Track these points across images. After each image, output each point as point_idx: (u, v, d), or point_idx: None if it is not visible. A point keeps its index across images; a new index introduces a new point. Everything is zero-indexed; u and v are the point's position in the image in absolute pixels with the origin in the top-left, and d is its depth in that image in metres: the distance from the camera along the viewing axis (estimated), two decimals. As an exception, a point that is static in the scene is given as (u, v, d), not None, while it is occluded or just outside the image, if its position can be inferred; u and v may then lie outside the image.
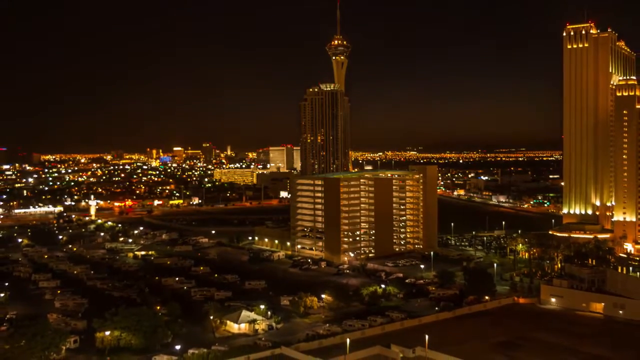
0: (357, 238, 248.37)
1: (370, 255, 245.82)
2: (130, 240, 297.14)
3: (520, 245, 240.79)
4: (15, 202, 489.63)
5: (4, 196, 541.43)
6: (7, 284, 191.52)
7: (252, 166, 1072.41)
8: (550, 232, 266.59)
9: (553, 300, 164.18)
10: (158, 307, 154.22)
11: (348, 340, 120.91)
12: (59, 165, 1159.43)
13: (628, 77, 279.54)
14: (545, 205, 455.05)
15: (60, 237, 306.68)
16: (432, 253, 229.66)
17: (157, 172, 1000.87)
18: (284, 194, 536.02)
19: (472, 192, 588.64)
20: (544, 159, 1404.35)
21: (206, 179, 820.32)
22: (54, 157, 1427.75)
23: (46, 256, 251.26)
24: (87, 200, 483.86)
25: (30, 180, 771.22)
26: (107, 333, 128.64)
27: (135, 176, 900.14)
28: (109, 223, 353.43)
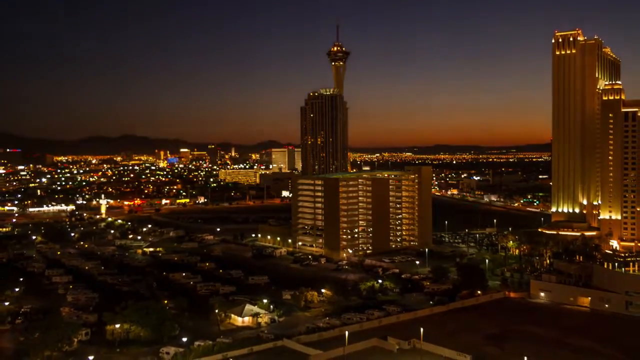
0: (356, 235, 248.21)
1: (368, 251, 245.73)
2: (139, 238, 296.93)
3: (511, 242, 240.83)
4: (29, 201, 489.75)
5: (19, 195, 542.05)
6: (21, 279, 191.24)
7: (255, 167, 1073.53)
8: (539, 230, 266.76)
9: (542, 294, 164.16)
10: (165, 301, 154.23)
11: (347, 333, 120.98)
12: (71, 166, 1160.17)
13: (614, 82, 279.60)
14: (535, 204, 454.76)
15: (73, 234, 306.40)
16: (426, 250, 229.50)
17: (165, 173, 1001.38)
18: (285, 194, 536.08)
19: (465, 191, 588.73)
20: (534, 159, 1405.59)
21: (211, 179, 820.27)
22: (66, 158, 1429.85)
23: (59, 252, 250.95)
24: (97, 200, 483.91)
25: (44, 180, 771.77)
26: (117, 326, 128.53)
27: (143, 176, 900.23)
28: (119, 221, 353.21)
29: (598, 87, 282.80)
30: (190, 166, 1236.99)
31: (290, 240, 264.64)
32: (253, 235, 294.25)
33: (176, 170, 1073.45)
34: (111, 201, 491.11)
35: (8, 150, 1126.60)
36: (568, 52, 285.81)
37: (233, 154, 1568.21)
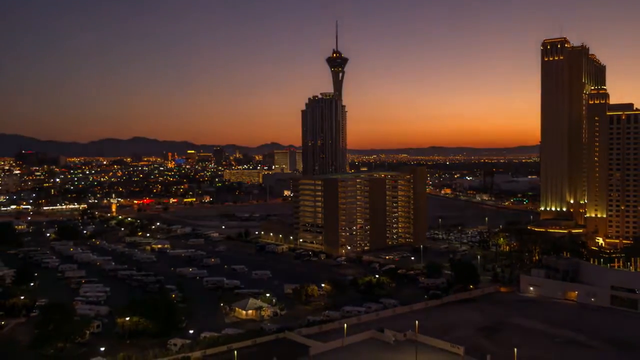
0: (354, 233, 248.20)
1: (366, 248, 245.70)
2: (148, 235, 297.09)
3: (502, 239, 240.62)
4: (43, 200, 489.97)
5: (34, 195, 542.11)
6: (36, 274, 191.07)
7: (258, 167, 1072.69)
8: (528, 227, 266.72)
9: (531, 289, 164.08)
10: (173, 295, 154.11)
11: (345, 325, 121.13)
12: (83, 167, 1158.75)
13: (599, 87, 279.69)
14: (524, 202, 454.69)
15: (85, 231, 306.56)
16: (421, 246, 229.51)
17: (173, 173, 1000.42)
18: (287, 193, 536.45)
19: (458, 191, 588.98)
20: (523, 161, 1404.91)
21: (217, 179, 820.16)
22: (78, 159, 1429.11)
23: (72, 249, 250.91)
24: (108, 199, 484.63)
25: (57, 180, 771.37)
26: (127, 319, 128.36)
27: (152, 177, 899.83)
28: (129, 219, 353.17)
29: (584, 91, 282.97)
30: (196, 167, 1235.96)
31: (291, 237, 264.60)
32: (256, 232, 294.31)
33: (183, 171, 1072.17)
34: (121, 200, 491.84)
35: (23, 151, 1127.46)
36: (556, 58, 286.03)
37: (237, 155, 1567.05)
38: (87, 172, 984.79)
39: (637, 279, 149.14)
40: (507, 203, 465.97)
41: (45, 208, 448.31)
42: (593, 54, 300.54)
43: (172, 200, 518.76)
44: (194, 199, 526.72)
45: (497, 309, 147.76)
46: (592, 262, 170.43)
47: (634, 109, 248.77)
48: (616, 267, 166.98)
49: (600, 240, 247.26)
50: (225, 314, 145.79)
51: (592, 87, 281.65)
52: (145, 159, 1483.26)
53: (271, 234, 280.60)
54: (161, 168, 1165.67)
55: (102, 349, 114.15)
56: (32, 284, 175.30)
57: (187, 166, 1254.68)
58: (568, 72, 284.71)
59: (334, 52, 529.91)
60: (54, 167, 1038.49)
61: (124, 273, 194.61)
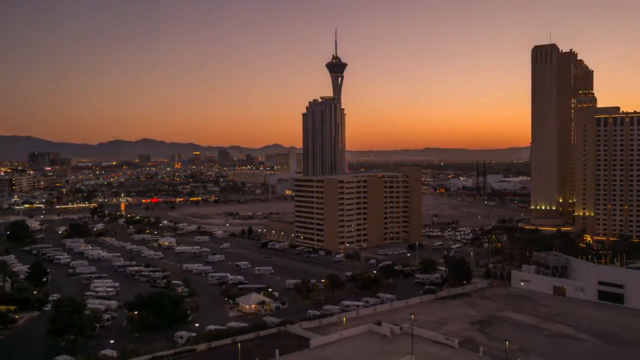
0: (352, 230, 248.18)
1: (364, 245, 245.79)
2: (155, 232, 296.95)
3: (494, 236, 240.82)
4: (55, 200, 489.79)
5: (46, 194, 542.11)
6: (49, 270, 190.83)
7: (261, 168, 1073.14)
8: (519, 225, 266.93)
9: (522, 284, 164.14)
10: (179, 290, 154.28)
11: (344, 319, 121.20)
12: (93, 168, 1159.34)
13: (587, 91, 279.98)
14: (515, 202, 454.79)
15: (95, 229, 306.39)
16: (417, 243, 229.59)
17: (179, 173, 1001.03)
18: (288, 192, 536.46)
19: (452, 190, 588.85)
20: (514, 161, 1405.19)
21: (221, 179, 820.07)
22: (89, 160, 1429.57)
23: (82, 246, 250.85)
24: (117, 198, 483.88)
25: (69, 180, 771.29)
26: (136, 313, 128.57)
27: (159, 177, 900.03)
28: (137, 217, 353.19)
29: (573, 95, 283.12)
30: (202, 167, 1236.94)
31: (292, 235, 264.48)
32: (259, 230, 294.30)
33: (189, 171, 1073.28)
34: (130, 199, 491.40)
35: (36, 153, 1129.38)
36: (545, 63, 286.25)
37: (241, 157, 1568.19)
38: (97, 173, 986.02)
39: (623, 275, 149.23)
40: (499, 202, 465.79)
41: (57, 207, 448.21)
42: (581, 59, 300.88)
43: (178, 199, 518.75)
44: (200, 198, 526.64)
45: (490, 304, 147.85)
46: (580, 259, 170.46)
47: (620, 112, 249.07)
48: (603, 263, 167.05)
49: (588, 238, 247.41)
50: (229, 308, 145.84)
51: (580, 91, 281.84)
52: (153, 160, 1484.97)
53: (273, 232, 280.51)
54: (168, 168, 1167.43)
55: (112, 341, 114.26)
56: (44, 279, 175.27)
57: (193, 167, 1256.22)
58: (557, 77, 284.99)
59: (333, 57, 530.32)
60: (65, 167, 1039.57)
61: (132, 269, 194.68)
